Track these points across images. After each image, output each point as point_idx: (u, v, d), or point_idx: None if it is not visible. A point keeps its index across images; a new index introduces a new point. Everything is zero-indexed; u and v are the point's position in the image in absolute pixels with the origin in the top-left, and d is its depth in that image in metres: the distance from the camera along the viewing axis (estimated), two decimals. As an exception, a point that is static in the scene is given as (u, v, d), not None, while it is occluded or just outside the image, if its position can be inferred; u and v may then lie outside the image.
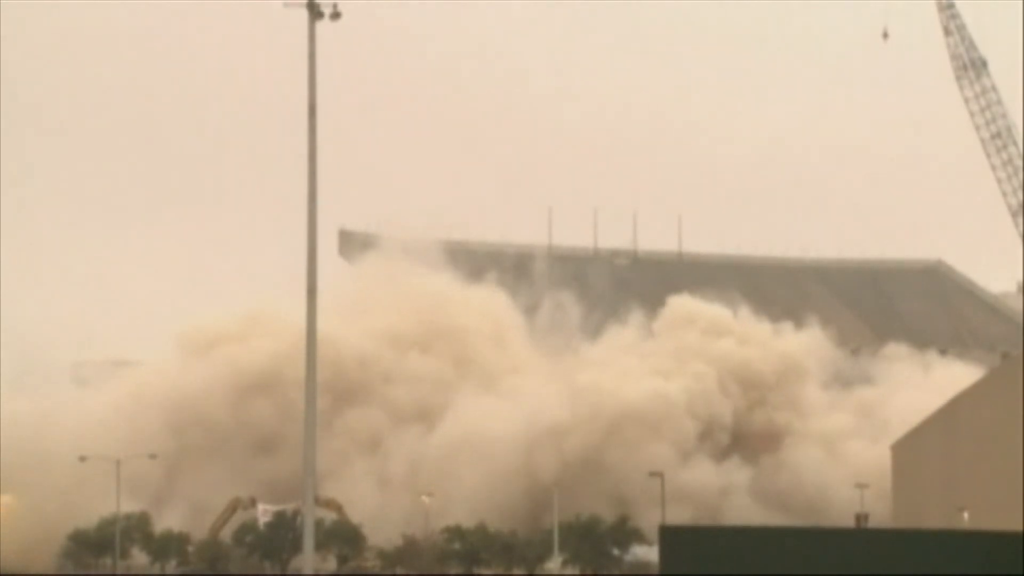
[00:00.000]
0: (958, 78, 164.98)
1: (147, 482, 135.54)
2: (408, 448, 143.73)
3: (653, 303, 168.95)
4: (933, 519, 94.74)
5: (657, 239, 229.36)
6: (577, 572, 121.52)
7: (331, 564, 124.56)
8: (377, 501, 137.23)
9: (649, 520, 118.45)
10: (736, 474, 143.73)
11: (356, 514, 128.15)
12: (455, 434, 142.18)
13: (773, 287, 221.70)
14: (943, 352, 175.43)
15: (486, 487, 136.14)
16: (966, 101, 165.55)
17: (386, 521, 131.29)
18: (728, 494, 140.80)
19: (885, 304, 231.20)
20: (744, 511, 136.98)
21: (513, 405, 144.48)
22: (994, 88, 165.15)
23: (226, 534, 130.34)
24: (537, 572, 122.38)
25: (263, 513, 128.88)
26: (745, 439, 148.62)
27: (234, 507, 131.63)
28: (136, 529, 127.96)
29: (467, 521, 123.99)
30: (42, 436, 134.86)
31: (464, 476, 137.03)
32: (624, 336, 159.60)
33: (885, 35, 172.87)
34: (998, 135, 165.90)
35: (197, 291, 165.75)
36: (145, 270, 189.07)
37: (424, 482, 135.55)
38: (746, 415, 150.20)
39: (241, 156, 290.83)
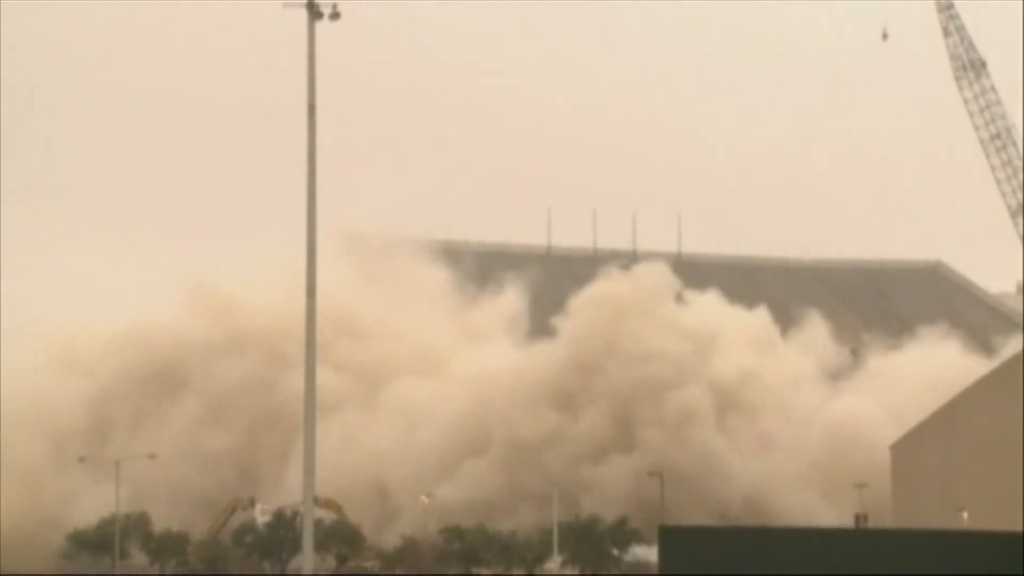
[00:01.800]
0: (957, 79, 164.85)
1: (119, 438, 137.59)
2: (399, 389, 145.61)
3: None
4: (933, 519, 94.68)
5: (657, 239, 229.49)
6: (577, 572, 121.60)
7: (330, 564, 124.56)
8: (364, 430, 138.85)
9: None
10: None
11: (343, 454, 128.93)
12: (444, 376, 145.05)
13: (773, 287, 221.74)
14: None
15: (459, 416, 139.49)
16: (965, 102, 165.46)
17: (372, 458, 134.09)
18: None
19: (885, 304, 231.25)
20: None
21: (514, 357, 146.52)
22: (993, 89, 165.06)
23: (225, 534, 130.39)
24: (536, 572, 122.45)
25: (261, 513, 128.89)
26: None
27: (233, 507, 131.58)
28: (135, 529, 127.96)
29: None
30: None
31: (442, 406, 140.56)
32: None
33: (884, 36, 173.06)
34: (997, 135, 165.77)
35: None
36: (142, 269, 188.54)
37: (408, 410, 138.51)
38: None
39: (241, 156, 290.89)
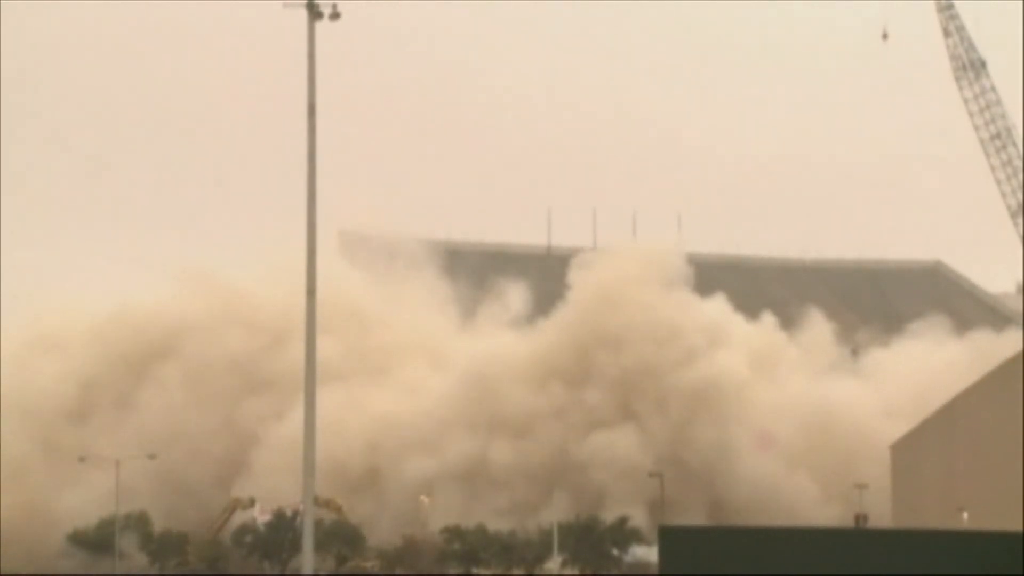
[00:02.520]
0: (957, 79, 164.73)
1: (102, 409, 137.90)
2: (397, 364, 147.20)
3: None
4: (933, 519, 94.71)
5: (656, 239, 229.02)
6: (577, 572, 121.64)
7: (330, 564, 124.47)
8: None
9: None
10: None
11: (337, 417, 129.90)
12: (444, 356, 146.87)
13: (773, 287, 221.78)
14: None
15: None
16: (965, 102, 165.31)
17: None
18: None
19: (885, 304, 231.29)
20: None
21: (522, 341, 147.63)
22: (993, 89, 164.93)
23: (225, 534, 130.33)
24: (536, 572, 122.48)
25: (260, 512, 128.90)
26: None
27: (233, 507, 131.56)
28: (135, 529, 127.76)
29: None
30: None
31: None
32: None
33: (885, 36, 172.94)
34: (997, 136, 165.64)
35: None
36: (137, 265, 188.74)
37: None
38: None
39: (241, 156, 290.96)
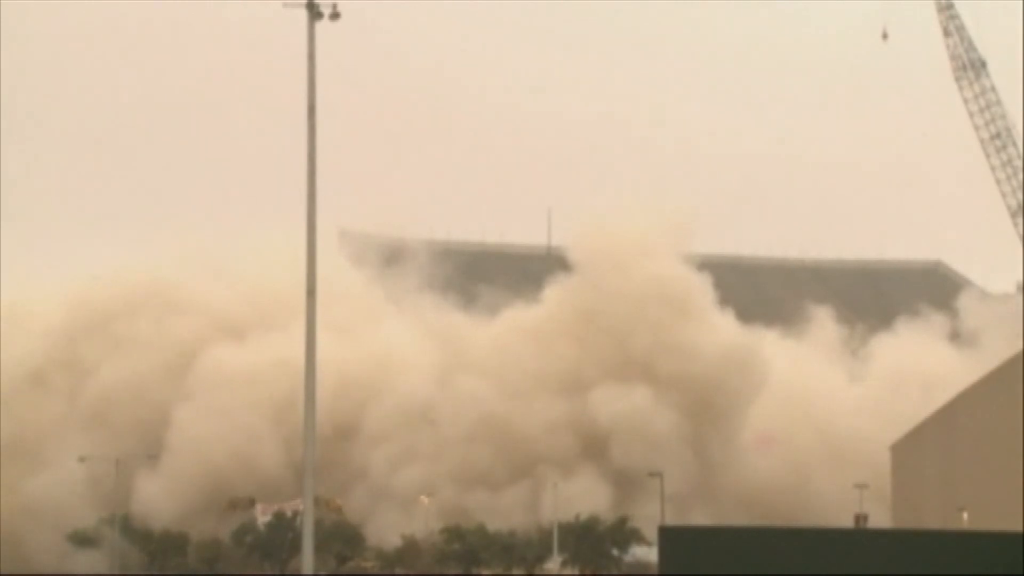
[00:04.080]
0: (957, 79, 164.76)
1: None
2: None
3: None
4: (933, 519, 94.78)
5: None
6: (577, 572, 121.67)
7: (330, 564, 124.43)
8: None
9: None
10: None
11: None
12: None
13: (773, 287, 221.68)
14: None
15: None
16: (965, 102, 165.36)
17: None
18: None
19: (885, 304, 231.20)
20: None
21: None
22: (993, 89, 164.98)
23: (225, 534, 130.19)
24: (536, 572, 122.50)
25: (261, 512, 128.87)
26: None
27: (233, 507, 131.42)
28: (134, 531, 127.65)
29: None
30: None
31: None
32: None
33: (884, 36, 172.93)
34: (997, 135, 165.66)
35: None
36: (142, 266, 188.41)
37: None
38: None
39: (241, 156, 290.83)
